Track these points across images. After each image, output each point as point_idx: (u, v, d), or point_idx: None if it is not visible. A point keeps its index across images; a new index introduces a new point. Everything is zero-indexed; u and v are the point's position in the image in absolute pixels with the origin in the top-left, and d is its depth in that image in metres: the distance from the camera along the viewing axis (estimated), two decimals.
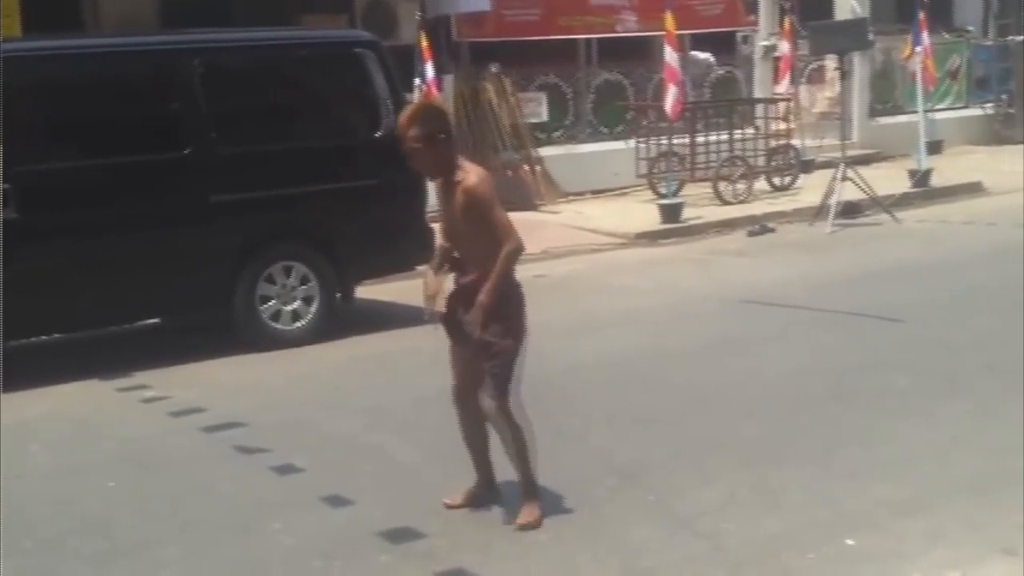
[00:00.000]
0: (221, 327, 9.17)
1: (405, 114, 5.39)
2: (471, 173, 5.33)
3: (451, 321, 5.51)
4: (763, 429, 6.74)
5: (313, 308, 9.38)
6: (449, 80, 15.43)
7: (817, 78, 19.21)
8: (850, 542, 5.14)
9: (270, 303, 9.25)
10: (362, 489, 6.01)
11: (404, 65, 12.16)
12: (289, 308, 9.32)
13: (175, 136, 9.02)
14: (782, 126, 16.93)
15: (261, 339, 9.16)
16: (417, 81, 14.11)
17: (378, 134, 9.68)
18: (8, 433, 7.38)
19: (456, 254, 5.45)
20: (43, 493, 6.32)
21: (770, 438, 6.59)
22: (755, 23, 18.91)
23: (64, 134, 8.95)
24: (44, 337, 9.13)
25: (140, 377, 8.47)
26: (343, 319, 9.47)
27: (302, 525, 5.56)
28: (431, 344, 9.18)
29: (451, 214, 5.38)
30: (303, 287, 9.36)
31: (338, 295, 9.55)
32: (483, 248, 5.30)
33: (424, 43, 14.09)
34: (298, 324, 9.34)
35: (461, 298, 5.45)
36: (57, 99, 8.98)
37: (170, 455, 6.87)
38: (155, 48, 9.59)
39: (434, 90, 13.97)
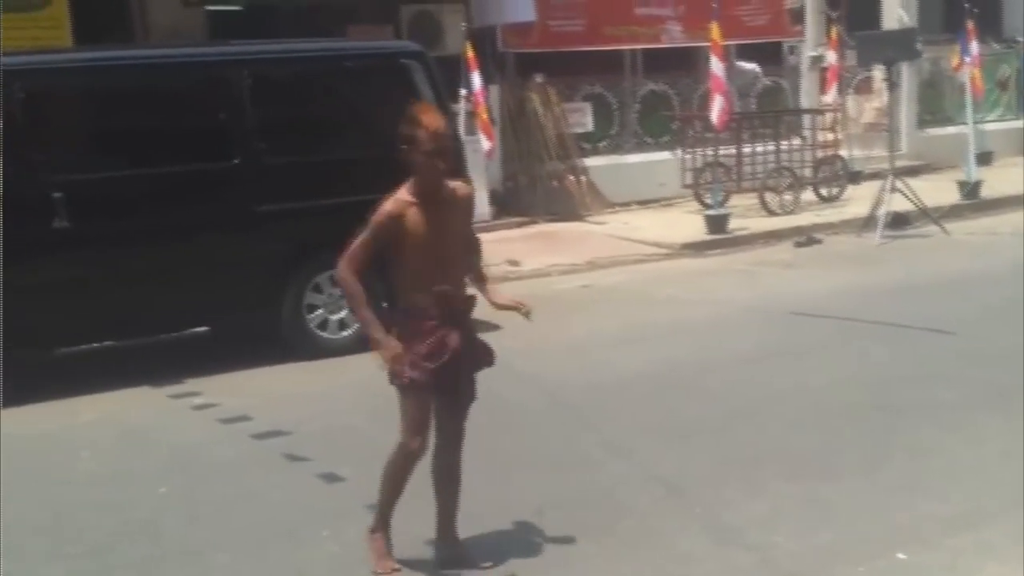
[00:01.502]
0: (269, 336, 9.22)
1: (439, 118, 5.10)
2: (455, 182, 5.21)
3: (453, 368, 5.07)
4: (810, 441, 6.70)
5: None
6: (495, 90, 15.47)
7: (865, 88, 19.10)
8: (901, 556, 5.10)
9: (317, 312, 9.30)
10: (406, 498, 6.01)
11: (450, 75, 12.19)
12: (336, 317, 9.35)
13: (224, 146, 9.08)
14: (829, 137, 16.85)
15: (308, 348, 9.21)
16: (463, 91, 14.17)
17: None
18: (59, 439, 7.50)
19: (436, 282, 5.04)
20: (92, 498, 6.39)
21: (817, 450, 6.54)
22: (802, 33, 18.83)
23: (114, 144, 9.02)
24: (96, 344, 9.21)
25: (190, 384, 8.54)
26: (389, 329, 9.47)
27: (349, 532, 5.57)
28: None
29: (446, 227, 5.05)
30: None
31: (384, 304, 9.56)
32: (463, 263, 5.22)
33: (470, 53, 14.16)
34: (345, 333, 9.37)
35: (464, 334, 5.12)
36: (107, 109, 9.06)
37: (219, 462, 6.92)
38: (204, 59, 9.66)
39: (480, 100, 14.03)
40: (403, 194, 5.08)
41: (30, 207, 8.27)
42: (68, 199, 8.34)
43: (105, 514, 6.13)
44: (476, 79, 14.06)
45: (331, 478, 6.40)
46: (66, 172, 8.45)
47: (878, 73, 17.69)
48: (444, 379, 5.07)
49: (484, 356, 5.27)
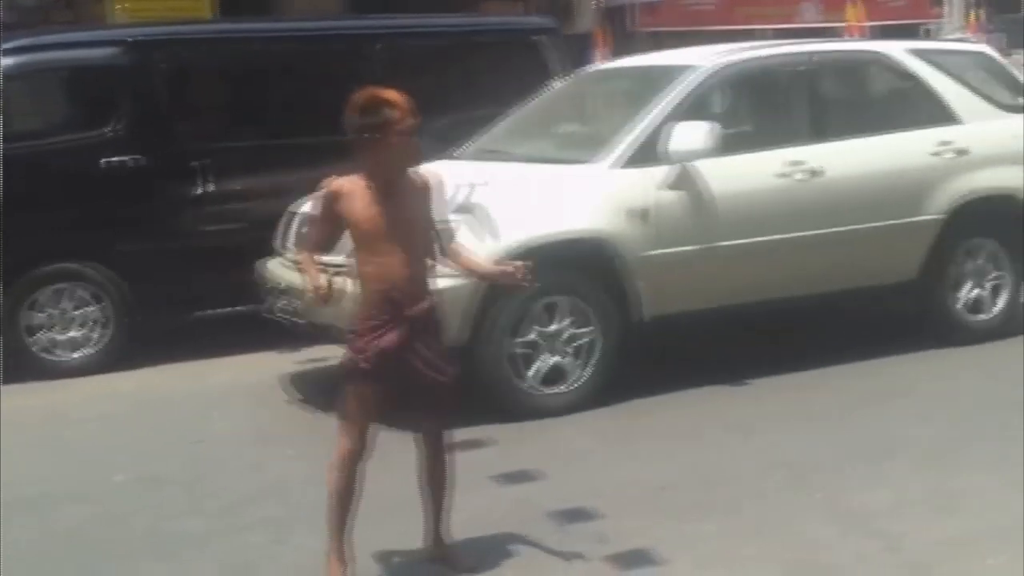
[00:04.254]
0: None
1: (403, 94, 4.66)
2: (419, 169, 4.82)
3: (403, 366, 4.69)
4: (940, 433, 6.56)
5: None
6: None
7: None
8: None
9: None
10: (533, 470, 6.08)
11: (579, 54, 12.18)
12: None
13: None
14: None
15: None
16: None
17: None
18: (191, 400, 7.74)
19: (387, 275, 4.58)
20: (223, 458, 6.58)
21: (947, 442, 6.41)
22: (941, 15, 18.40)
23: (250, 114, 9.26)
24: (227, 309, 9.41)
25: (315, 351, 8.69)
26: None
27: (474, 501, 5.62)
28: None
29: (400, 219, 4.58)
30: None
31: None
32: (421, 256, 4.72)
33: (599, 31, 14.15)
34: None
35: (418, 334, 4.69)
36: (243, 80, 9.30)
37: None
38: (339, 32, 9.84)
39: None
40: (358, 177, 4.64)
41: (170, 175, 8.52)
42: (206, 168, 8.56)
43: (236, 473, 6.31)
44: (596, 56, 14.03)
45: (458, 447, 6.45)
46: (205, 141, 8.68)
47: (1018, 57, 17.21)
48: (385, 378, 4.67)
49: (436, 369, 4.77)
